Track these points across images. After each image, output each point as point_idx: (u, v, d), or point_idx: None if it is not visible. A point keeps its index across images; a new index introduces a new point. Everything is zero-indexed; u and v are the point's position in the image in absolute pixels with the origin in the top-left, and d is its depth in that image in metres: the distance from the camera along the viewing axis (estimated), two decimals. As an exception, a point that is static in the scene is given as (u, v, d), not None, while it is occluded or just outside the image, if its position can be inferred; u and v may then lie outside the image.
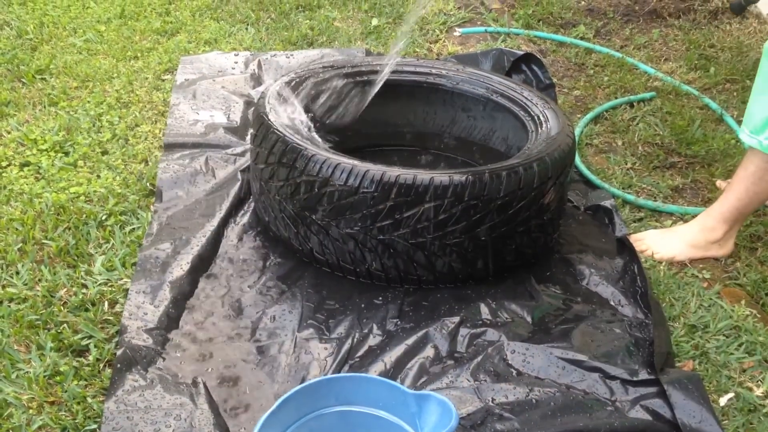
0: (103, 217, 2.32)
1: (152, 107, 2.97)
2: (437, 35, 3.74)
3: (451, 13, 3.99)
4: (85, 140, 2.70)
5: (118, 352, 1.82)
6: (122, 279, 2.09)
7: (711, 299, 2.17)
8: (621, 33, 3.93)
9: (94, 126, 2.80)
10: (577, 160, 2.75)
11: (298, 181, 2.06)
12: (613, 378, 1.86)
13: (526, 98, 2.49)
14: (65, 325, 1.93)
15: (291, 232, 2.17)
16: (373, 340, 1.95)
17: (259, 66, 3.26)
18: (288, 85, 2.39)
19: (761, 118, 2.15)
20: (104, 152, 2.66)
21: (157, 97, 3.04)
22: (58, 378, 1.79)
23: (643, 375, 1.86)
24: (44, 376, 1.78)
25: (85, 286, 2.07)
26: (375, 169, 1.98)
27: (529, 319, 2.05)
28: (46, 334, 1.90)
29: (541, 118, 2.37)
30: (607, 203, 2.49)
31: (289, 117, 2.25)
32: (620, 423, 1.74)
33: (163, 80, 3.19)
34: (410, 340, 1.94)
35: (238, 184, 2.47)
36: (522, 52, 3.11)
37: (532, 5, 4.13)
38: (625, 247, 2.32)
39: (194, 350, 1.90)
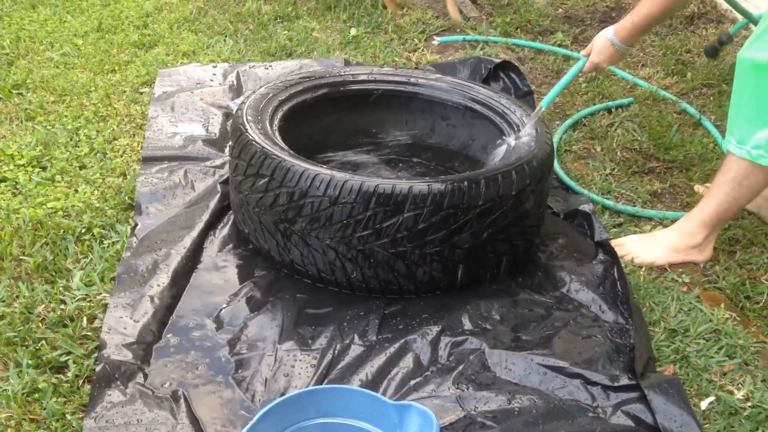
0: (82, 232, 2.31)
1: (130, 120, 2.96)
2: (416, 44, 3.75)
3: (430, 22, 4.01)
4: (62, 155, 2.68)
5: (97, 368, 1.80)
6: (101, 294, 2.08)
7: (691, 303, 2.18)
8: (598, 39, 3.95)
9: (71, 140, 2.79)
10: (557, 166, 2.76)
11: (277, 192, 2.06)
12: (594, 384, 1.86)
13: (504, 106, 2.50)
14: (44, 341, 1.91)
15: (271, 243, 2.16)
16: (355, 351, 1.95)
17: (238, 77, 3.25)
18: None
19: (744, 127, 2.16)
20: (82, 166, 2.65)
21: (135, 110, 3.03)
22: (36, 395, 1.77)
23: (624, 380, 1.86)
24: (22, 394, 1.76)
25: (63, 301, 2.05)
26: (353, 179, 1.98)
27: (510, 326, 2.05)
28: (24, 351, 1.88)
29: (520, 125, 2.38)
30: (586, 208, 2.50)
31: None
32: (602, 429, 1.74)
33: (141, 93, 3.18)
34: (391, 350, 1.94)
35: (218, 196, 2.46)
36: (499, 60, 3.12)
37: (510, 13, 4.15)
38: (605, 251, 2.33)
39: (174, 364, 1.88)
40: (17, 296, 2.06)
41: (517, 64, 3.17)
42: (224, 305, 2.08)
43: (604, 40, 2.58)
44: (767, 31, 2.12)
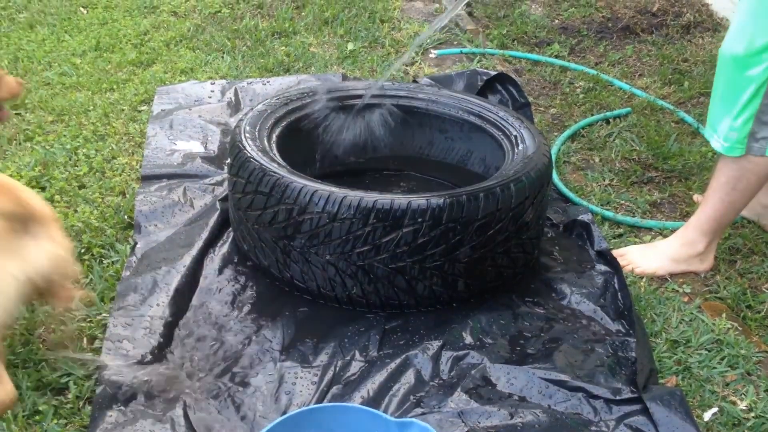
0: (81, 252, 2.30)
1: (129, 139, 2.96)
2: (413, 57, 3.76)
3: (427, 35, 4.01)
4: (61, 174, 2.68)
5: (98, 389, 1.80)
6: (101, 314, 2.07)
7: (692, 313, 2.18)
8: (595, 50, 3.96)
9: (70, 160, 2.79)
10: (555, 177, 2.76)
11: (276, 209, 2.06)
12: (597, 397, 1.86)
13: (502, 118, 2.50)
14: (44, 363, 1.91)
15: (270, 260, 2.16)
16: (356, 367, 1.94)
17: (236, 94, 3.26)
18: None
19: (716, 118, 2.23)
20: (81, 186, 2.65)
21: (133, 128, 3.04)
22: (37, 417, 1.77)
23: (626, 393, 1.86)
24: (23, 416, 1.76)
25: (63, 322, 2.05)
26: (352, 195, 1.98)
27: (511, 340, 2.05)
28: (24, 373, 1.88)
29: (518, 138, 2.38)
30: (584, 218, 2.49)
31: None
32: (605, 442, 1.74)
33: (140, 111, 3.19)
34: (393, 366, 1.93)
35: (217, 213, 2.45)
36: (495, 72, 3.13)
37: (507, 25, 4.16)
38: (605, 262, 2.33)
39: (175, 384, 1.88)
40: (17, 318, 2.06)
41: (514, 76, 3.18)
42: (224, 323, 2.07)
43: None
44: (741, 24, 2.15)
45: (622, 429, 1.78)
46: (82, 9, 4.22)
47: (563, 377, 1.89)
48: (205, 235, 2.36)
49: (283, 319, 2.09)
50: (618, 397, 1.85)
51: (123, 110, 3.18)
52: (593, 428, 1.78)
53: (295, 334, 2.04)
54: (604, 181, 2.84)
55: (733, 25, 2.20)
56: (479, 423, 1.80)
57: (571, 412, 1.83)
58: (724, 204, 2.26)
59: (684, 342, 2.08)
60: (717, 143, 2.23)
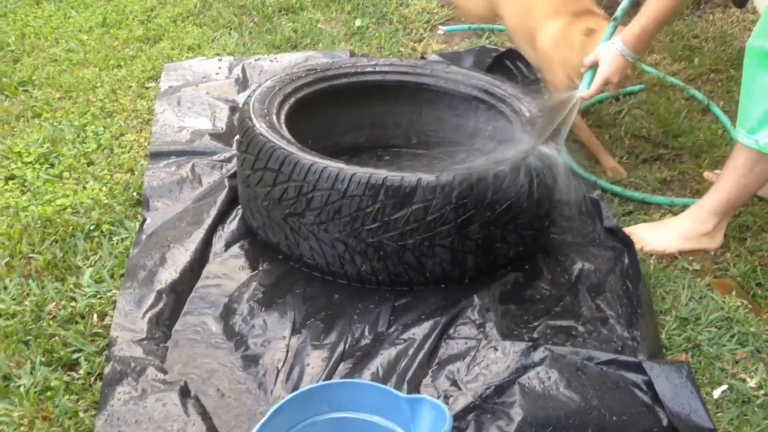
0: (90, 229, 2.31)
1: (137, 116, 2.96)
2: (421, 34, 3.74)
3: (435, 11, 3.99)
4: (70, 151, 2.68)
5: (108, 365, 1.80)
6: (111, 290, 2.08)
7: (702, 291, 2.17)
8: (605, 26, 3.93)
9: (78, 137, 2.79)
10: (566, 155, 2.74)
11: (285, 186, 2.06)
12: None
13: (511, 95, 2.48)
14: (55, 339, 1.92)
15: (280, 237, 2.16)
16: (365, 344, 1.95)
17: (243, 71, 3.24)
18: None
19: (755, 118, 2.14)
20: (90, 163, 2.65)
21: (141, 105, 3.03)
22: (49, 393, 1.78)
23: (631, 371, 1.85)
24: (35, 392, 1.77)
25: (73, 299, 2.05)
26: (362, 172, 1.98)
27: (520, 317, 2.05)
28: (36, 349, 1.88)
29: (527, 114, 2.36)
30: (594, 194, 2.48)
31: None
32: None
33: (147, 88, 3.18)
34: (402, 343, 1.94)
35: (226, 190, 2.45)
36: (504, 49, 3.11)
37: (515, 1, 4.12)
38: (616, 238, 2.32)
39: (185, 361, 1.88)
40: (28, 294, 2.07)
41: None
42: (234, 300, 2.07)
43: (613, 53, 2.36)
44: None
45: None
46: (88, -15, 4.20)
47: (570, 355, 1.89)
48: (213, 212, 2.36)
49: (293, 297, 2.09)
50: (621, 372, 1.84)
51: (130, 87, 3.17)
52: (596, 402, 1.78)
53: (305, 311, 2.04)
54: (614, 158, 2.82)
55: (764, 19, 2.13)
56: (488, 398, 1.79)
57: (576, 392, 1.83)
58: (738, 186, 2.24)
59: (693, 319, 2.08)
60: (749, 140, 2.14)
